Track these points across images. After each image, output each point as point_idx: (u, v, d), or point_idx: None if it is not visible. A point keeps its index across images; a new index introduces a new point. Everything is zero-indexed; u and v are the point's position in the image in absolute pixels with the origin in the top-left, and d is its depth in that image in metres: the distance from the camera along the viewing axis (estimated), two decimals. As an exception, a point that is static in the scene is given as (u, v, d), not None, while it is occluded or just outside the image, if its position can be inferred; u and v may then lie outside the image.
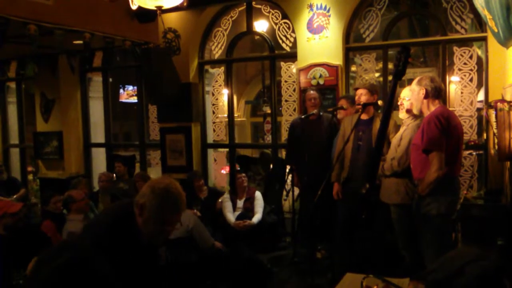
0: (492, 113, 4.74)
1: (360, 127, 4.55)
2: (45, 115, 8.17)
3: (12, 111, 9.28)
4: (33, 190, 8.70)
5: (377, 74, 6.57)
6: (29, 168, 9.37)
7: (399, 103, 4.01)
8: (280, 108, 6.78)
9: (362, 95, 4.53)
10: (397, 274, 2.68)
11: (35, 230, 4.60)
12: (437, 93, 3.59)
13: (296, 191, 5.67)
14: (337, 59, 6.00)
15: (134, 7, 4.34)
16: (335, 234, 4.82)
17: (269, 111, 8.10)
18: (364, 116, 4.58)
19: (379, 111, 4.98)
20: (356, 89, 4.68)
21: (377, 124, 4.40)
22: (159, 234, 2.24)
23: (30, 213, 5.95)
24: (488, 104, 5.06)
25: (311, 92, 5.52)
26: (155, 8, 4.11)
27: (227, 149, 7.77)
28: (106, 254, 1.79)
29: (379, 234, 4.20)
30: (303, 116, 5.42)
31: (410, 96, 3.92)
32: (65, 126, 8.09)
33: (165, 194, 2.21)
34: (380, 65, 6.30)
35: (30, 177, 9.30)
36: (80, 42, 5.76)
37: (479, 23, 5.60)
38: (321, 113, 5.40)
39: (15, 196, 7.00)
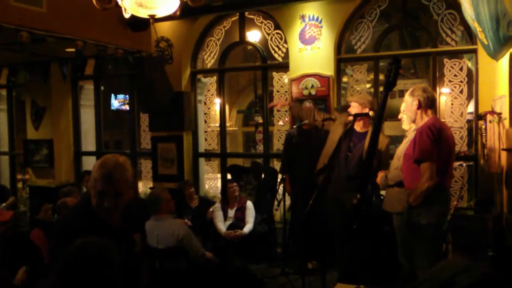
0: (482, 124, 4.79)
1: (353, 138, 4.61)
2: (35, 122, 8.10)
3: (3, 118, 9.21)
4: (23, 198, 8.61)
5: (368, 85, 6.61)
6: (19, 176, 9.29)
7: (399, 116, 4.02)
8: (272, 118, 6.78)
9: (352, 108, 4.59)
10: (394, 282, 2.68)
11: (24, 239, 4.54)
12: (430, 103, 3.62)
13: (288, 201, 5.66)
14: (328, 70, 6.04)
15: (127, 15, 4.32)
16: (329, 245, 4.82)
17: (261, 121, 8.10)
18: (359, 129, 4.63)
19: (370, 122, 5.00)
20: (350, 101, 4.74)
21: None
22: (103, 207, 2.24)
23: (19, 221, 5.88)
24: (478, 115, 5.11)
25: (311, 104, 5.55)
26: (148, 17, 4.10)
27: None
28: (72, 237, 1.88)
29: (371, 244, 4.20)
30: (294, 126, 5.44)
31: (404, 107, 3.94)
32: (55, 134, 8.03)
33: (101, 165, 2.26)
34: (371, 76, 6.34)
35: (20, 185, 9.21)
36: (72, 49, 5.74)
37: (469, 35, 5.66)
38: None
39: (4, 204, 6.92)
